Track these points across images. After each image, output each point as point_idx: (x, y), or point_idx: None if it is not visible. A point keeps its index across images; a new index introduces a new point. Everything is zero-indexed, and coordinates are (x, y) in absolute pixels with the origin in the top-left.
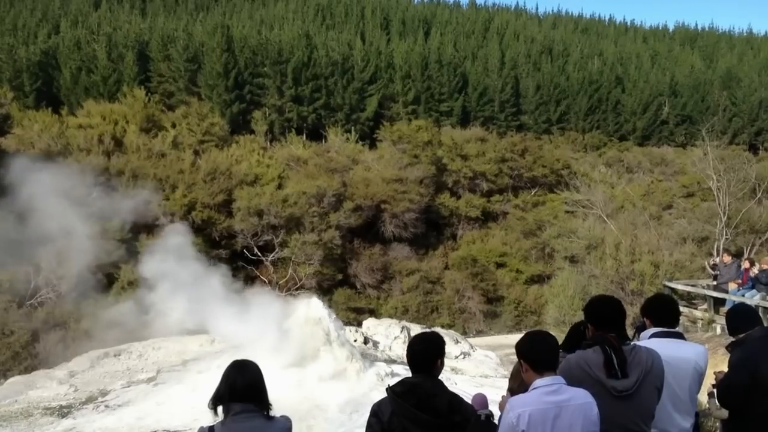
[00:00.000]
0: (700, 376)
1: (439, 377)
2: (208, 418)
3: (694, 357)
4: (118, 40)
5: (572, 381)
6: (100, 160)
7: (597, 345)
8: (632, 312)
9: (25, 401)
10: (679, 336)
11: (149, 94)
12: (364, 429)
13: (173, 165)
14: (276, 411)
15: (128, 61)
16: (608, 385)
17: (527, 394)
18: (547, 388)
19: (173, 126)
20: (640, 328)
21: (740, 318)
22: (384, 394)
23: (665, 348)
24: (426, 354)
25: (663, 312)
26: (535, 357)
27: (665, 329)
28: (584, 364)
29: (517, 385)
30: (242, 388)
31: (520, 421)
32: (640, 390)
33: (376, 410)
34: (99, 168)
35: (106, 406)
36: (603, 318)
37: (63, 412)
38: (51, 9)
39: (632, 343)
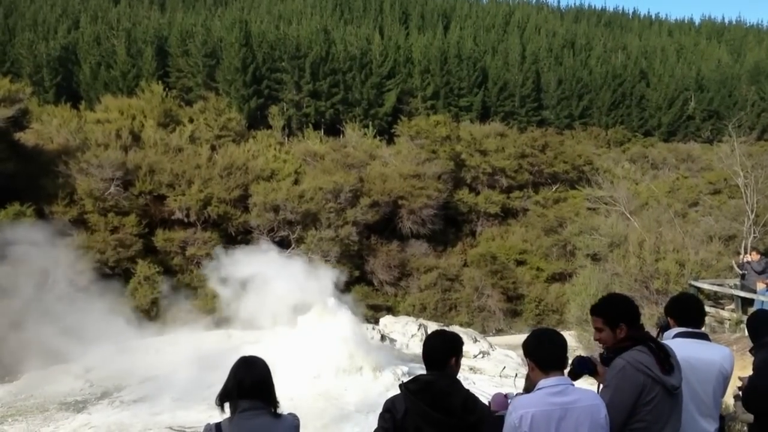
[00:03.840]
0: (725, 380)
1: (457, 377)
2: (222, 416)
3: (719, 359)
4: (137, 35)
5: (636, 385)
6: (118, 155)
7: (639, 345)
8: (657, 311)
9: (41, 396)
10: (704, 337)
11: (167, 89)
12: None
13: (190, 160)
14: (291, 409)
15: (147, 57)
16: (668, 383)
17: (531, 395)
18: (552, 389)
19: (191, 121)
20: (664, 328)
21: (761, 322)
22: None
23: (690, 349)
24: (442, 350)
25: (688, 312)
26: (541, 355)
27: (690, 330)
28: (641, 366)
29: (533, 386)
30: (250, 385)
31: (522, 423)
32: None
33: (390, 406)
34: (116, 163)
35: (122, 402)
36: (628, 314)
37: (78, 407)
38: (71, 4)
39: (668, 340)
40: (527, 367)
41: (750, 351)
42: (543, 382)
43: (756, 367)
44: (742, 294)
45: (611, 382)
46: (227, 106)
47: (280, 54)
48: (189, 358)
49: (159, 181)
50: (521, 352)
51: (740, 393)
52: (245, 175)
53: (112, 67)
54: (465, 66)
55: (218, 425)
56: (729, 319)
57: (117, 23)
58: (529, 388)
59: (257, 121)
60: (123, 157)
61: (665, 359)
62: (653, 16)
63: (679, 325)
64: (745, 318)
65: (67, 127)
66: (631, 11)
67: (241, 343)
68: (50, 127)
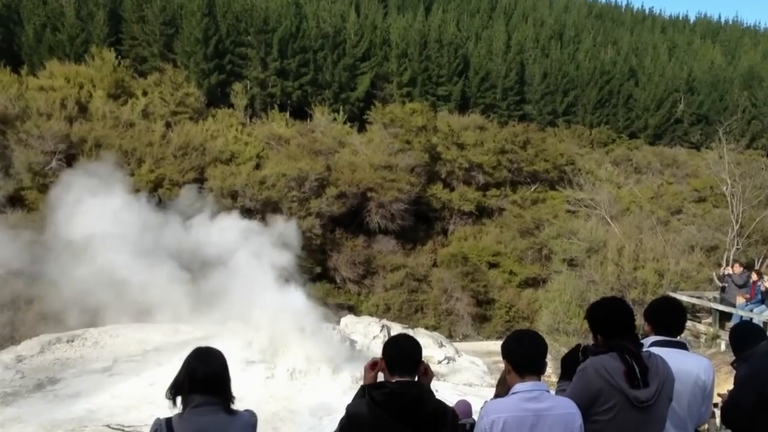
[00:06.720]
0: (702, 391)
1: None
2: (167, 414)
3: (695, 370)
4: None
5: (591, 390)
6: (62, 127)
7: (614, 351)
8: None
9: None
10: (682, 346)
11: (120, 57)
12: None
13: (142, 136)
14: (240, 407)
15: (98, 21)
16: (631, 395)
17: (504, 399)
18: (526, 394)
19: (144, 94)
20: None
21: (744, 335)
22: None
23: (666, 358)
24: (416, 352)
25: (670, 317)
26: (519, 358)
27: (667, 338)
28: (603, 371)
29: (505, 392)
30: (202, 378)
31: (493, 428)
32: (658, 400)
33: (352, 414)
34: (60, 135)
35: (56, 396)
36: (615, 325)
37: (8, 400)
38: None
39: (646, 349)
40: (500, 374)
41: (732, 364)
42: (518, 387)
43: (738, 380)
44: (721, 308)
45: (573, 382)
46: (185, 80)
47: (246, 27)
48: (131, 351)
49: (106, 157)
50: (488, 359)
51: (715, 410)
52: (202, 157)
53: (59, 29)
54: (446, 52)
55: (168, 420)
56: (705, 333)
57: None
58: (500, 393)
59: (218, 98)
60: (67, 129)
61: (635, 371)
62: (647, 11)
63: (658, 332)
64: (722, 333)
65: (6, 93)
66: (624, 4)
67: (189, 338)
68: None
